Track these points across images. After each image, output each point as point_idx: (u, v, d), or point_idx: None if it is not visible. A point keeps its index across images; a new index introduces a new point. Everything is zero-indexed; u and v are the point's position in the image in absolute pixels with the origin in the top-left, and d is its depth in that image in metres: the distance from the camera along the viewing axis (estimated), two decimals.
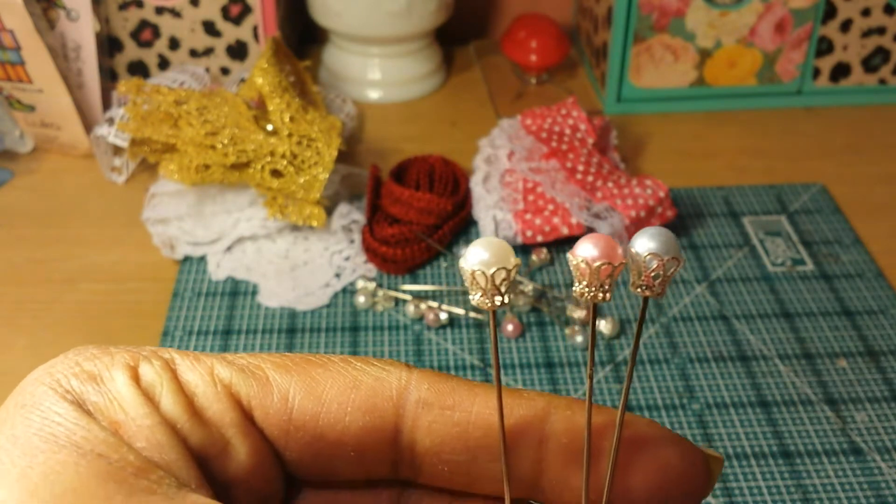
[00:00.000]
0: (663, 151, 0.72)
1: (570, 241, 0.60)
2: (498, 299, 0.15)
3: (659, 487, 0.16)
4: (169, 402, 0.15)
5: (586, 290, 0.14)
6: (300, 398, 0.16)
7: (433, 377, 0.16)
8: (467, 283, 0.15)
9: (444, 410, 0.16)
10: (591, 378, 0.16)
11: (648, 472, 0.16)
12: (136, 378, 0.15)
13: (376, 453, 0.16)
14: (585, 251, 0.14)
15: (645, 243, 0.14)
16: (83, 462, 0.14)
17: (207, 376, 0.16)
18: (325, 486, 0.17)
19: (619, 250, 0.14)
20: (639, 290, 0.15)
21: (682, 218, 0.63)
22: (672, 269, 0.14)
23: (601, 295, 0.14)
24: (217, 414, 0.15)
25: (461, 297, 0.57)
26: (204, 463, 0.15)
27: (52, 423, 0.14)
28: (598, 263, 0.14)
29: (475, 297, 0.15)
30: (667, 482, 0.16)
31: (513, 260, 0.15)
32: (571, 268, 0.15)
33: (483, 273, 0.14)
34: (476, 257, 0.15)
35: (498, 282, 0.14)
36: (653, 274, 0.14)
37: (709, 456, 0.17)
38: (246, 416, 0.16)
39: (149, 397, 0.15)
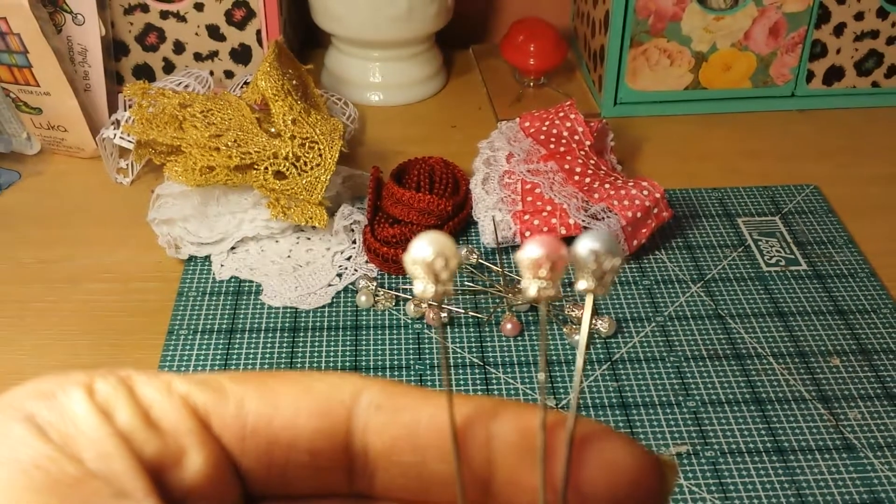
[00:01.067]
0: (659, 153, 0.73)
1: (568, 242, 0.61)
2: (440, 288, 0.15)
3: (607, 487, 0.16)
4: (124, 414, 0.16)
5: (533, 283, 0.15)
6: (255, 403, 0.16)
7: (386, 384, 0.17)
8: (410, 275, 0.15)
9: (395, 412, 0.16)
10: (545, 372, 0.17)
11: (596, 470, 0.16)
12: (91, 393, 0.16)
13: (330, 458, 0.16)
14: (531, 252, 0.15)
15: (586, 244, 0.15)
16: (20, 476, 0.14)
17: (164, 388, 0.16)
18: (283, 502, 0.17)
19: (563, 250, 0.15)
20: (582, 287, 0.15)
21: (677, 219, 0.64)
22: (611, 266, 0.15)
23: (552, 291, 0.15)
24: (173, 423, 0.16)
25: (461, 296, 0.58)
26: (160, 474, 0.16)
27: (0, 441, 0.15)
28: (542, 259, 0.15)
29: (417, 288, 0.15)
30: (615, 482, 0.16)
31: (453, 250, 0.15)
32: (521, 267, 0.16)
33: (424, 261, 0.15)
34: (418, 250, 0.15)
35: (438, 269, 0.15)
36: (594, 270, 0.15)
37: (661, 460, 0.16)
38: (203, 424, 0.16)
39: (103, 410, 0.16)
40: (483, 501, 0.16)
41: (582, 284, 0.15)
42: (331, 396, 0.16)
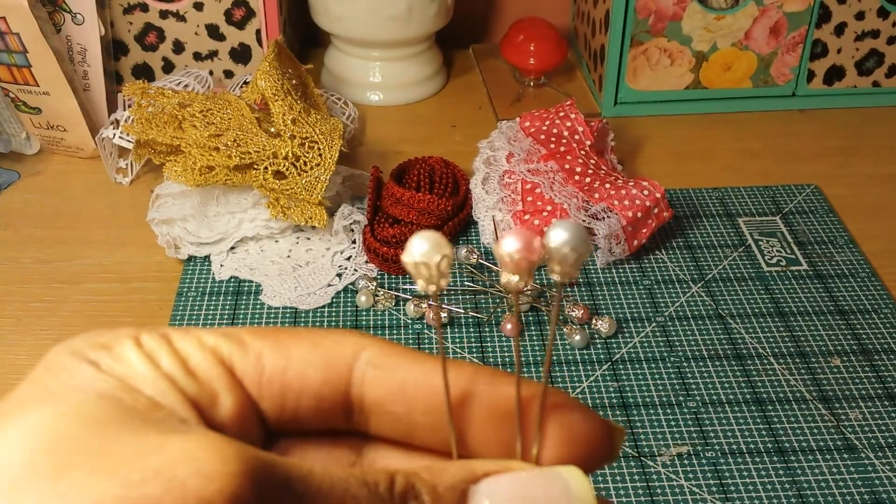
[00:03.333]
0: (660, 153, 0.73)
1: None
2: (443, 282, 0.17)
3: (564, 445, 0.19)
4: (167, 363, 0.18)
5: (513, 279, 0.17)
6: (271, 357, 0.19)
7: (384, 344, 0.20)
8: (410, 273, 0.17)
9: (388, 370, 0.19)
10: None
11: (556, 431, 0.19)
12: (139, 345, 0.18)
13: (333, 403, 0.19)
14: (509, 245, 0.17)
15: (558, 234, 0.17)
16: (103, 401, 0.17)
17: (196, 342, 0.19)
18: (295, 439, 0.21)
19: (537, 243, 0.17)
20: (555, 276, 0.17)
21: (678, 219, 0.64)
22: (579, 257, 0.17)
23: (524, 283, 0.17)
24: (206, 371, 0.19)
25: (461, 296, 0.58)
26: (199, 412, 0.18)
27: (75, 377, 0.17)
28: (518, 256, 0.17)
29: (419, 284, 0.17)
30: (572, 441, 0.19)
31: (447, 249, 0.17)
32: (498, 260, 0.17)
33: (425, 263, 0.17)
34: (417, 248, 0.17)
35: (435, 268, 0.17)
36: (566, 261, 0.17)
37: (612, 426, 0.20)
38: (229, 371, 0.19)
39: (150, 358, 0.18)
40: (459, 450, 0.19)
41: (556, 277, 0.17)
42: (335, 352, 0.19)
